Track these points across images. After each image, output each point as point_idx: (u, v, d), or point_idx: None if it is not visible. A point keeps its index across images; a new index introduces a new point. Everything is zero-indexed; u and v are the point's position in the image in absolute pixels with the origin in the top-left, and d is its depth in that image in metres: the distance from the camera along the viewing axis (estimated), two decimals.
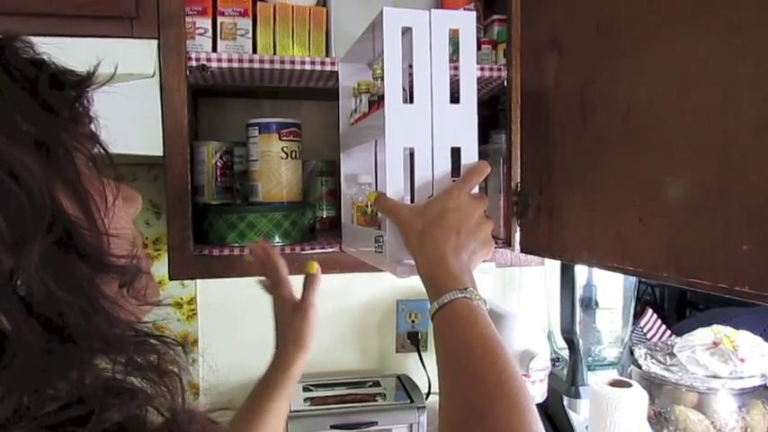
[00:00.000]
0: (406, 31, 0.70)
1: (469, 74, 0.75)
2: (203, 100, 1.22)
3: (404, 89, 0.71)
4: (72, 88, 0.42)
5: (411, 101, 0.71)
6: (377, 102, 0.78)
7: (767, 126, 0.56)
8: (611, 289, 1.32)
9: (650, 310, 1.48)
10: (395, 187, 0.71)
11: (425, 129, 0.71)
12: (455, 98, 0.74)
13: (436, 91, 0.72)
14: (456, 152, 0.73)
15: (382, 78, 0.70)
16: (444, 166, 0.72)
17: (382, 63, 0.70)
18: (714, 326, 1.27)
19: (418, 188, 0.71)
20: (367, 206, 0.84)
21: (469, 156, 0.73)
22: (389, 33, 0.69)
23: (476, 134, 0.74)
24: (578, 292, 1.28)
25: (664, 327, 1.49)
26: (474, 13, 0.74)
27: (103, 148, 0.43)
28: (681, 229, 0.66)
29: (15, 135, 0.35)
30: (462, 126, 0.74)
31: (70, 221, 0.37)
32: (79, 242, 0.37)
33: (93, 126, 0.44)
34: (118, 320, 0.38)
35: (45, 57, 0.42)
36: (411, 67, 0.71)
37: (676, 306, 1.77)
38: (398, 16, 0.69)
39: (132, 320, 0.41)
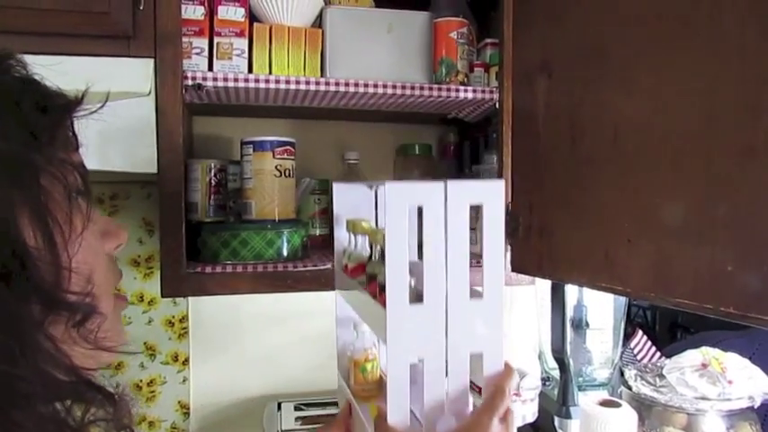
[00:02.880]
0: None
1: (495, 259, 0.61)
2: (198, 118, 1.23)
3: (411, 285, 0.57)
4: (57, 112, 0.41)
5: (420, 299, 0.57)
6: (375, 278, 0.63)
7: (750, 150, 0.57)
8: (601, 309, 1.33)
9: (640, 332, 1.49)
10: (398, 412, 0.56)
11: (438, 333, 0.57)
12: (477, 292, 0.61)
13: (453, 284, 0.58)
14: (476, 358, 0.60)
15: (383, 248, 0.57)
16: (461, 378, 0.58)
17: (383, 240, 0.57)
18: (703, 348, 1.28)
19: (428, 408, 0.57)
20: (366, 361, 0.74)
21: (494, 363, 0.60)
22: (394, 215, 0.55)
23: (501, 335, 0.61)
24: (569, 313, 1.28)
25: (654, 348, 1.49)
26: (501, 182, 0.61)
27: (82, 176, 0.41)
28: (668, 250, 0.67)
29: None
30: (485, 326, 0.59)
31: (27, 254, 0.35)
32: (32, 276, 0.35)
33: (75, 153, 0.42)
34: (54, 361, 0.36)
35: (37, 77, 0.41)
36: (420, 247, 0.58)
37: (668, 329, 1.78)
38: (406, 193, 0.56)
39: (80, 365, 0.38)
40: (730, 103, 0.60)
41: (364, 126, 1.30)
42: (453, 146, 1.31)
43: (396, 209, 0.55)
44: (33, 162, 0.37)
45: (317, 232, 1.21)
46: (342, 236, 0.80)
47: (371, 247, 0.67)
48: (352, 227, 0.74)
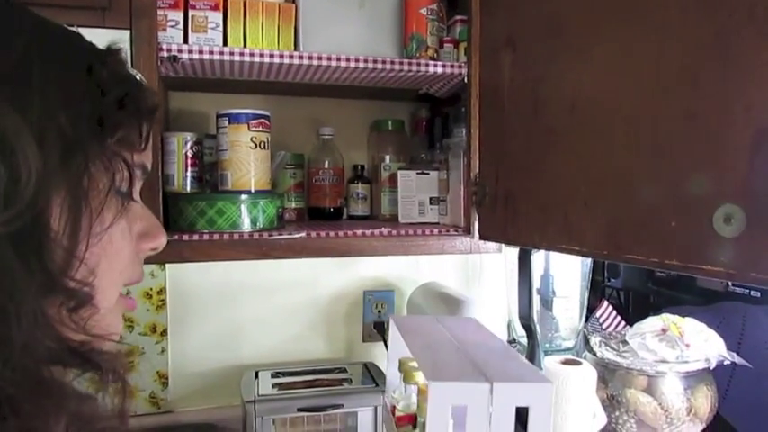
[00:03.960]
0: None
1: None
2: (174, 93, 1.24)
3: None
4: (133, 112, 0.43)
5: None
6: None
7: (692, 115, 0.62)
8: (567, 278, 1.39)
9: (606, 302, 1.55)
10: None
11: None
12: None
13: None
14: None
15: None
16: None
17: None
18: (664, 314, 1.35)
19: None
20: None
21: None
22: (436, 414, 0.55)
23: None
24: (536, 282, 1.34)
25: (619, 318, 1.56)
26: (550, 385, 0.60)
27: (131, 177, 0.43)
28: (618, 209, 0.72)
29: (43, 130, 0.36)
30: None
31: (45, 230, 0.36)
32: (42, 251, 0.36)
33: (138, 153, 0.44)
34: (44, 330, 0.37)
35: (133, 74, 0.44)
36: None
37: (640, 308, 1.85)
38: (450, 393, 0.55)
39: (65, 338, 0.39)
40: (674, 72, 0.64)
41: (338, 102, 1.33)
42: (425, 121, 1.35)
43: (438, 407, 0.54)
44: (89, 149, 0.39)
45: (293, 205, 1.24)
46: (393, 372, 0.81)
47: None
48: (405, 375, 0.73)
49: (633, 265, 0.70)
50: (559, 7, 0.82)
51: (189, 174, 1.07)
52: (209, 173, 1.12)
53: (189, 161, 1.06)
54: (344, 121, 1.34)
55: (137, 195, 0.48)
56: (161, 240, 0.50)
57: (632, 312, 1.82)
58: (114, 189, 0.42)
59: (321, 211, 1.26)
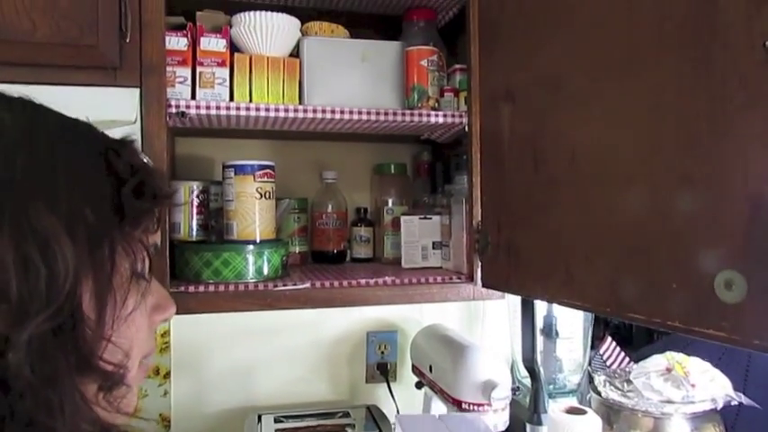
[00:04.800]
0: None
1: None
2: (181, 139, 1.26)
3: None
4: (151, 201, 0.46)
5: None
6: None
7: (689, 178, 0.64)
8: (570, 319, 1.39)
9: (609, 338, 1.55)
10: None
11: None
12: None
13: None
14: None
15: None
16: None
17: None
18: (668, 353, 1.35)
19: None
20: None
21: None
22: None
23: None
24: (539, 323, 1.34)
25: (623, 354, 1.56)
26: None
27: (150, 258, 0.46)
28: (620, 269, 0.73)
29: (71, 221, 0.38)
30: None
31: (80, 316, 0.38)
32: (78, 338, 0.38)
33: (152, 235, 0.47)
34: (83, 415, 0.39)
35: (146, 162, 0.47)
36: None
37: (645, 331, 1.84)
38: None
39: (100, 420, 0.41)
40: (670, 134, 0.66)
41: (342, 146, 1.35)
42: (427, 164, 1.37)
43: None
44: (112, 238, 0.42)
45: (297, 250, 1.25)
46: None
47: None
48: None
49: (636, 323, 0.71)
50: (558, 63, 0.84)
51: (195, 222, 1.08)
52: (215, 219, 1.13)
53: (195, 209, 1.08)
54: (347, 163, 1.36)
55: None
56: (172, 311, 0.52)
57: (636, 342, 1.82)
58: (135, 273, 0.44)
59: (324, 255, 1.27)
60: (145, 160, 0.48)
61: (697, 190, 0.63)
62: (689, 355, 1.31)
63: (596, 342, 1.50)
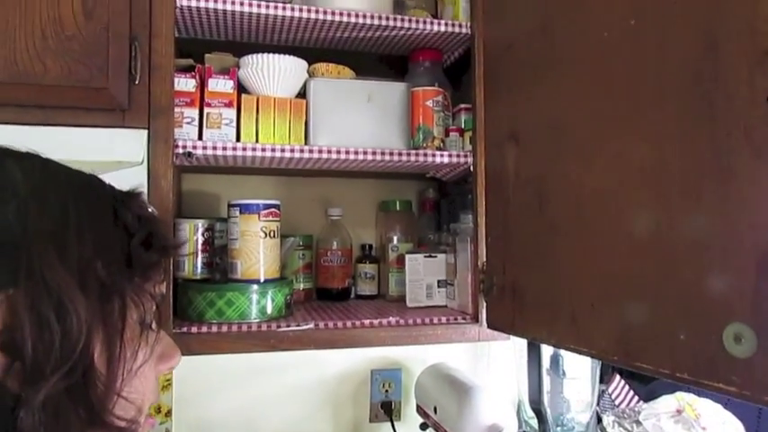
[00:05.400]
0: None
1: None
2: (186, 175, 1.27)
3: None
4: (159, 252, 0.46)
5: None
6: None
7: (696, 228, 0.63)
8: (578, 358, 1.37)
9: (618, 376, 1.53)
10: None
11: None
12: None
13: None
14: None
15: None
16: None
17: None
18: (678, 393, 1.32)
19: None
20: None
21: None
22: None
23: None
24: (545, 363, 1.32)
25: (632, 392, 1.53)
26: None
27: (158, 307, 0.46)
28: (627, 317, 0.72)
29: (83, 276, 0.39)
30: None
31: (92, 373, 0.39)
32: (90, 394, 0.39)
33: (160, 284, 0.48)
34: None
35: (153, 213, 0.47)
36: None
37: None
38: None
39: None
40: (676, 185, 0.65)
41: (347, 182, 1.36)
42: (432, 201, 1.37)
43: None
44: (122, 289, 0.42)
45: (301, 287, 1.25)
46: None
47: None
48: None
49: (645, 373, 0.69)
50: (562, 110, 0.84)
51: (200, 260, 1.08)
52: (220, 256, 1.13)
53: (200, 247, 1.08)
54: (353, 199, 1.36)
55: None
56: (177, 360, 0.52)
57: (645, 376, 1.79)
58: (144, 324, 0.45)
59: (329, 292, 1.26)
60: (150, 210, 0.49)
61: (704, 239, 0.62)
62: (699, 394, 1.29)
63: (605, 377, 1.47)
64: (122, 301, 0.42)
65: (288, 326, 0.96)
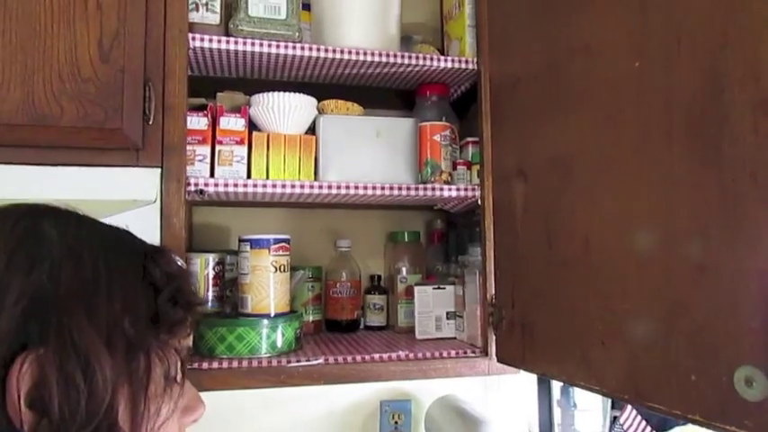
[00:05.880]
0: None
1: None
2: (197, 208, 1.29)
3: None
4: (185, 308, 0.48)
5: None
6: None
7: (704, 269, 0.64)
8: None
9: (629, 406, 1.51)
10: None
11: None
12: None
13: None
14: None
15: None
16: None
17: None
18: (689, 426, 1.31)
19: None
20: None
21: None
22: None
23: None
24: (556, 395, 1.31)
25: (644, 422, 1.51)
26: None
27: (182, 362, 0.47)
28: (638, 356, 0.72)
29: (111, 334, 0.40)
30: None
31: (115, 429, 0.40)
32: None
33: (185, 339, 0.49)
34: None
35: (181, 268, 0.49)
36: None
37: None
38: None
39: None
40: (684, 227, 0.66)
41: (356, 213, 1.37)
42: (440, 232, 1.37)
43: None
44: (148, 346, 0.43)
45: (311, 318, 1.25)
46: None
47: None
48: None
49: (657, 414, 0.69)
50: (568, 148, 0.85)
51: (210, 294, 1.09)
52: (230, 289, 1.14)
53: (211, 281, 1.09)
54: (361, 231, 1.37)
55: None
56: (201, 412, 0.53)
57: None
58: (168, 379, 0.46)
59: (338, 324, 1.27)
60: (179, 264, 0.50)
61: (713, 281, 0.62)
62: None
63: (617, 403, 1.46)
64: (148, 357, 0.43)
65: (298, 361, 0.97)
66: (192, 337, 0.51)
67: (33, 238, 0.42)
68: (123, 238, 0.48)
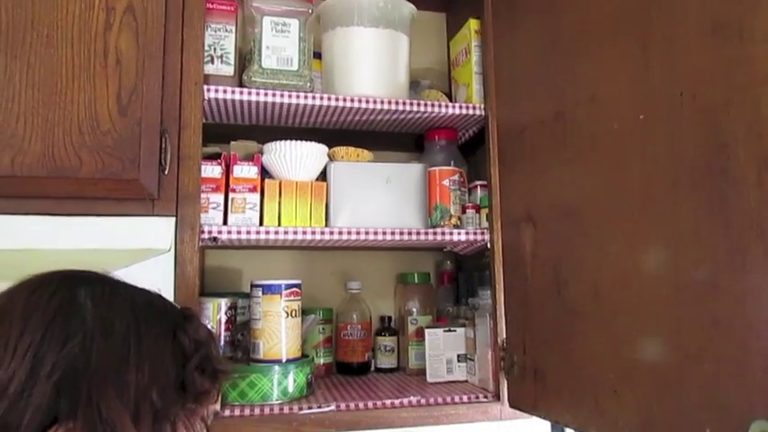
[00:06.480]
0: None
1: None
2: (210, 251, 1.30)
3: None
4: (213, 376, 0.49)
5: None
6: None
7: (716, 322, 0.64)
8: None
9: None
10: None
11: None
12: None
13: None
14: None
15: None
16: None
17: None
18: None
19: None
20: None
21: None
22: None
23: None
24: None
25: None
26: None
27: (207, 429, 0.49)
28: (651, 406, 0.72)
29: (139, 408, 0.41)
30: None
31: None
32: None
33: (211, 404, 0.50)
34: None
35: (209, 333, 0.50)
36: None
37: None
38: None
39: None
40: (694, 278, 0.66)
41: (366, 255, 1.38)
42: (450, 273, 1.38)
43: None
44: (174, 415, 0.45)
45: (321, 361, 1.25)
46: None
47: None
48: None
49: None
50: (576, 195, 0.86)
51: (222, 339, 1.10)
52: (242, 332, 1.15)
53: (223, 326, 1.10)
54: (372, 272, 1.38)
55: None
56: None
57: None
58: None
59: (349, 366, 1.26)
60: (207, 328, 0.51)
61: (725, 334, 0.63)
62: None
63: None
64: (174, 427, 0.44)
65: (309, 407, 0.97)
66: (218, 403, 0.52)
67: (69, 310, 0.44)
68: (154, 303, 0.50)
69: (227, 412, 0.95)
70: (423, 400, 1.03)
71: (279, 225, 1.02)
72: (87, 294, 0.45)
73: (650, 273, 0.72)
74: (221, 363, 0.51)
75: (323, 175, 1.10)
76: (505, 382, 1.03)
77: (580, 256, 0.85)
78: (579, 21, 0.87)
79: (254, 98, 1.03)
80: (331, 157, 1.11)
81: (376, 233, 1.04)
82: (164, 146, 0.94)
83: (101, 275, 0.48)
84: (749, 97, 0.61)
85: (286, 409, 0.96)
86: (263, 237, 1.00)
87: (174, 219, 0.94)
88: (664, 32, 0.72)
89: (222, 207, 1.02)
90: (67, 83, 0.90)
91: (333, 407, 0.97)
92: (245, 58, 1.09)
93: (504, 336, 1.04)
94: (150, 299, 0.50)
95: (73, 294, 0.45)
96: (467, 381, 1.18)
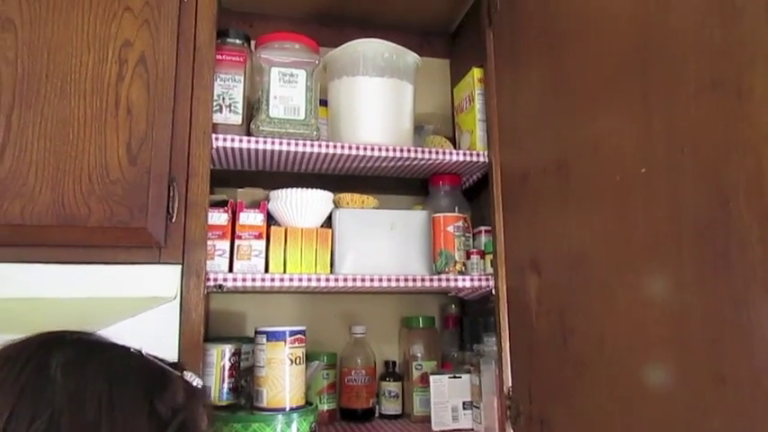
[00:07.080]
0: None
1: None
2: (214, 295, 1.31)
3: None
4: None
5: None
6: None
7: (722, 379, 0.63)
8: None
9: None
10: None
11: None
12: None
13: None
14: None
15: None
16: None
17: None
18: None
19: None
20: None
21: None
22: None
23: None
24: None
25: None
26: None
27: None
28: None
29: None
30: None
31: None
32: None
33: None
34: None
35: (189, 398, 0.50)
36: None
37: None
38: None
39: None
40: (699, 330, 0.66)
41: (370, 299, 1.38)
42: (455, 317, 1.37)
43: None
44: None
45: (325, 407, 1.24)
46: None
47: None
48: None
49: None
50: (579, 244, 0.86)
51: (226, 385, 1.09)
52: (245, 378, 1.14)
53: (227, 373, 1.09)
54: (376, 315, 1.38)
55: None
56: None
57: None
58: None
59: (353, 413, 1.25)
60: (195, 383, 0.50)
61: (731, 391, 0.62)
62: None
63: None
64: None
65: None
66: None
67: (38, 383, 0.43)
68: (131, 366, 0.49)
69: None
70: None
71: (284, 272, 1.03)
72: (59, 363, 0.45)
73: (655, 324, 0.72)
74: (202, 426, 0.50)
75: (328, 221, 1.11)
76: (512, 431, 1.01)
77: (586, 306, 0.85)
78: (581, 73, 0.89)
79: (261, 146, 1.04)
80: (336, 204, 1.12)
81: (381, 280, 1.04)
82: (172, 194, 0.95)
83: (78, 338, 0.47)
84: (749, 151, 0.61)
85: None
86: (267, 284, 1.00)
87: (180, 266, 0.95)
88: (664, 88, 0.73)
89: (228, 254, 1.02)
90: (79, 133, 0.92)
91: None
92: (254, 107, 1.12)
93: (510, 384, 1.03)
94: (128, 362, 0.49)
95: (44, 365, 0.44)
96: (472, 429, 1.16)
